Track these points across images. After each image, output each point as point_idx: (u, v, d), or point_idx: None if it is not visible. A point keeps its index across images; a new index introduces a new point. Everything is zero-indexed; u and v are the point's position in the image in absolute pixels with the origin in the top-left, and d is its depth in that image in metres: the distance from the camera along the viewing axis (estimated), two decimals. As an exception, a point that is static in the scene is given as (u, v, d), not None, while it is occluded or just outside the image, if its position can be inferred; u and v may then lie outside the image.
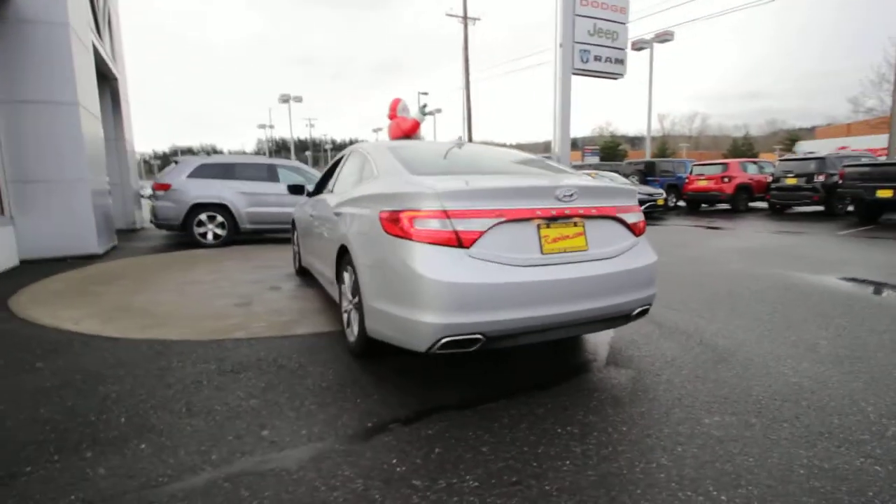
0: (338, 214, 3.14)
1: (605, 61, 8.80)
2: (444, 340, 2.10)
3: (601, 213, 2.44)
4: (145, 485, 1.66)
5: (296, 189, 4.75)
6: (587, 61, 8.58)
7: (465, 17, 27.25)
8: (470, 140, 28.71)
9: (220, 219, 7.87)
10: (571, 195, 2.32)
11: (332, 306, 3.98)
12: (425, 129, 8.02)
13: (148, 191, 10.79)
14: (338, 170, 3.86)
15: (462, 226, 2.14)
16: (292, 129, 36.73)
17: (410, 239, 2.18)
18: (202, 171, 7.87)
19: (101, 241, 6.77)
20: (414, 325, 2.15)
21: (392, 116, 7.13)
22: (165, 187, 7.64)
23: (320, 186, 4.63)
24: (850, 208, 11.04)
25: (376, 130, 46.69)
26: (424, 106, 7.20)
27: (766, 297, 4.19)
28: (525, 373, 2.66)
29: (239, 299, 4.27)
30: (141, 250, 7.61)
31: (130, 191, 10.85)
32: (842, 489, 1.63)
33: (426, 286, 2.09)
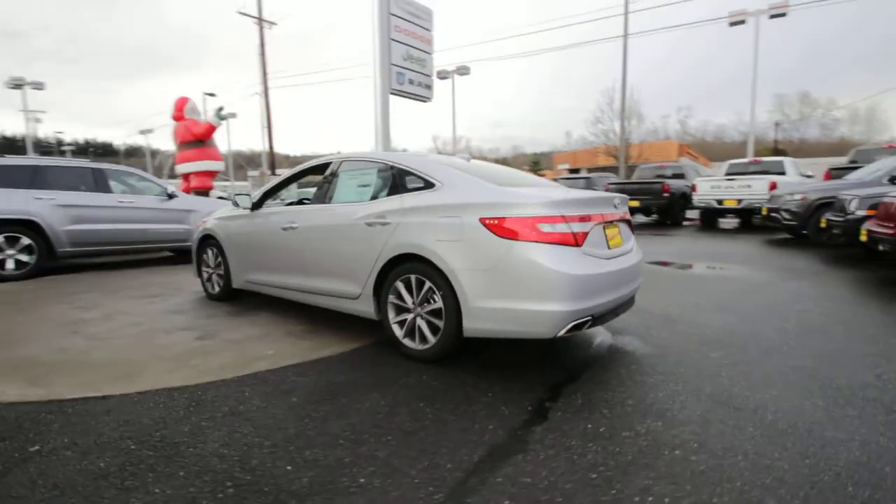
0: (373, 224, 3.08)
1: (417, 85, 9.92)
2: (571, 325, 2.50)
3: (623, 217, 3.20)
4: (425, 505, 1.60)
5: (257, 204, 4.16)
6: (402, 83, 9.48)
7: (260, 19, 25.56)
8: (271, 150, 27.02)
9: (25, 241, 5.82)
10: (619, 203, 3.01)
11: (318, 324, 3.69)
12: (219, 134, 7.45)
13: None
14: (330, 180, 3.62)
15: (577, 228, 2.58)
16: (28, 124, 27.48)
17: (534, 241, 2.50)
18: (-10, 177, 5.69)
19: None
20: (541, 315, 2.48)
21: (179, 118, 6.50)
22: (-72, 199, 5.24)
23: (263, 200, 4.19)
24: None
25: (145, 132, 39.02)
26: (221, 109, 6.78)
27: (655, 279, 5.55)
28: (577, 351, 3.20)
29: (190, 333, 3.52)
30: None
31: None
32: (841, 378, 2.60)
33: (557, 279, 2.46)
